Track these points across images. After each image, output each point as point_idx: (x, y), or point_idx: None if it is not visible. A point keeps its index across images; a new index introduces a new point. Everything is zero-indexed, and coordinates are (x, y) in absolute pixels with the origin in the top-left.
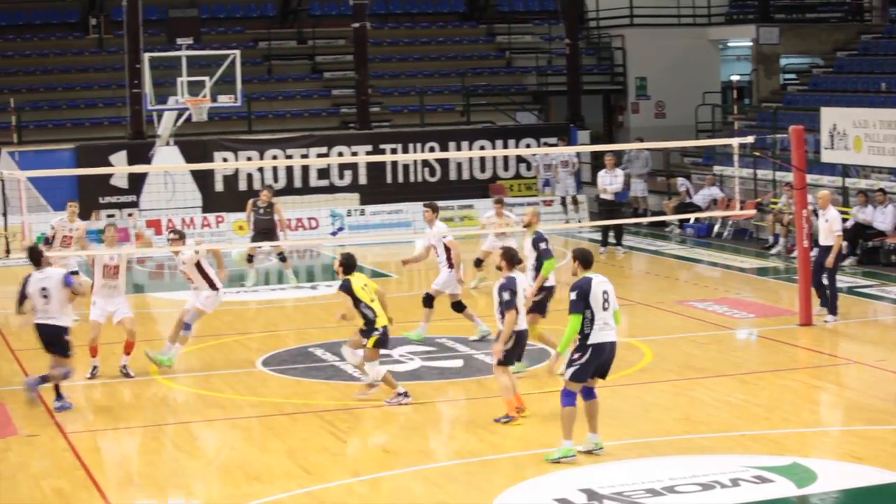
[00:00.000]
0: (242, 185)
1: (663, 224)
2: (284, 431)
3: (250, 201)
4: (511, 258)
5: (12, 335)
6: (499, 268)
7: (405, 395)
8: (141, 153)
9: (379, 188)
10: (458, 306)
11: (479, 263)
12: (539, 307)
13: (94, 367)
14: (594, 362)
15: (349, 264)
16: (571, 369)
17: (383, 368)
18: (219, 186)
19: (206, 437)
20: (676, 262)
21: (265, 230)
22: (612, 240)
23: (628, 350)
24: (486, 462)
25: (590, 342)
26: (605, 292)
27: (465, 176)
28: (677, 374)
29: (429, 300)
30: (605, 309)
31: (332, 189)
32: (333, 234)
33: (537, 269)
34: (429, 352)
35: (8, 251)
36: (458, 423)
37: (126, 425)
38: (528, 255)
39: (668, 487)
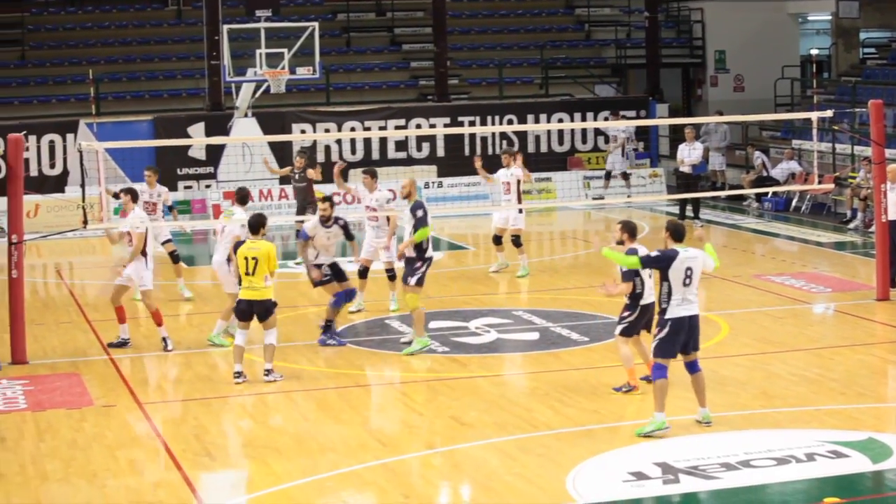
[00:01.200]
0: (320, 157)
1: (741, 198)
2: (360, 403)
3: (287, 168)
4: (632, 230)
5: (88, 306)
6: (620, 242)
7: (239, 374)
8: (219, 125)
9: (457, 160)
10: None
11: (498, 241)
12: (419, 278)
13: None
14: (676, 337)
15: (253, 224)
16: (654, 344)
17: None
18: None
19: (280, 408)
20: (754, 235)
21: (303, 200)
22: (689, 213)
23: (705, 324)
24: (561, 435)
25: (667, 317)
26: (689, 269)
27: (543, 149)
28: (753, 349)
29: (364, 272)
30: (685, 285)
31: (409, 161)
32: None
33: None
34: (505, 324)
35: (85, 222)
36: (534, 395)
37: (201, 396)
38: (407, 225)
39: (743, 461)
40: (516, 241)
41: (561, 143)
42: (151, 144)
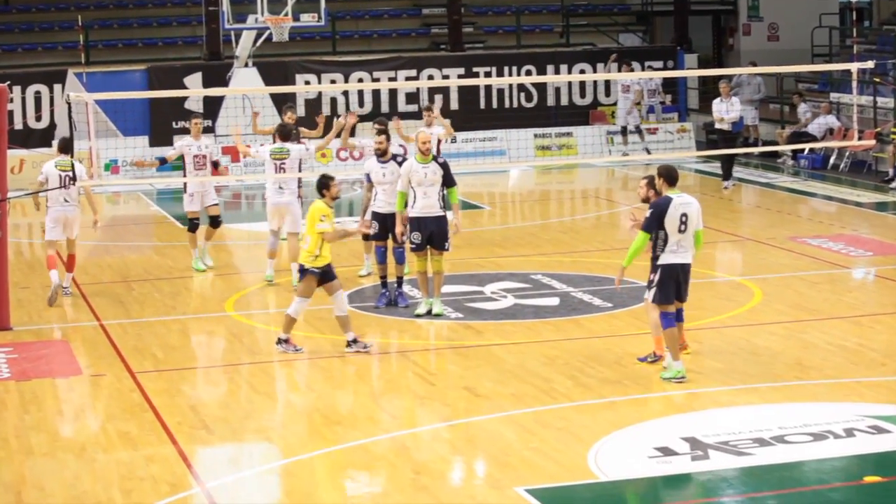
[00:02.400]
0: (325, 110)
1: (775, 154)
2: (368, 373)
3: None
4: (654, 187)
5: (77, 269)
6: (645, 199)
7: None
8: (217, 75)
9: (472, 114)
10: None
11: None
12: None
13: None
14: (669, 283)
15: (316, 185)
16: (651, 291)
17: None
18: (300, 111)
19: (283, 377)
20: (789, 195)
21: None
22: (716, 169)
23: (736, 289)
24: (583, 407)
25: (660, 262)
26: (683, 215)
27: (564, 101)
28: (788, 316)
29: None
30: (680, 231)
31: (421, 115)
32: None
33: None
34: (522, 289)
35: (74, 179)
36: (553, 365)
37: (198, 365)
38: (435, 182)
39: (777, 437)
40: None
41: (583, 95)
42: (145, 96)
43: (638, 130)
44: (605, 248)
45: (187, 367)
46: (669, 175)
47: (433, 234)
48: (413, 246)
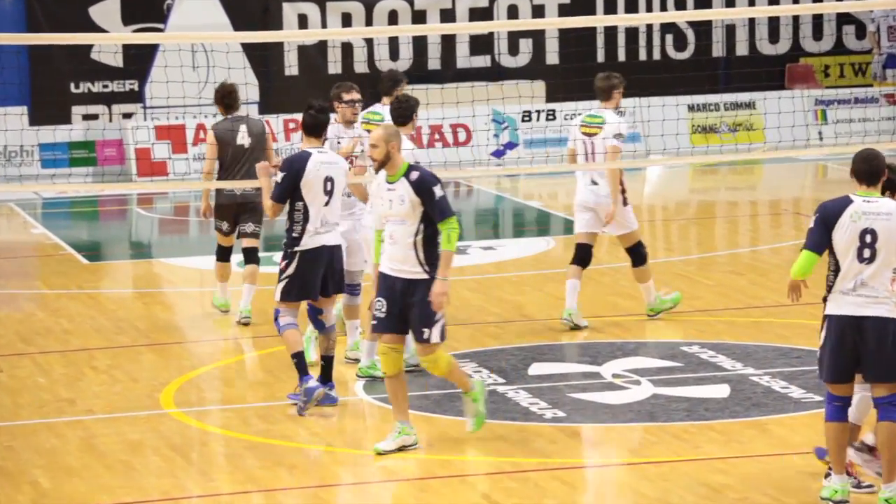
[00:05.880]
0: (333, 69)
1: None
2: None
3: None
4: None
5: None
6: None
7: None
8: (146, 5)
9: (582, 74)
10: None
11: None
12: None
13: None
14: (838, 346)
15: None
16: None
17: None
18: (291, 69)
19: None
20: None
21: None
22: None
23: None
24: None
25: (826, 312)
26: (867, 232)
27: (741, 50)
28: None
29: None
30: (861, 260)
31: (496, 73)
32: (497, 153)
33: None
34: (667, 369)
35: None
36: (721, 500)
37: (114, 500)
38: (404, 215)
39: None
40: None
41: (774, 40)
42: (20, 41)
43: None
44: (811, 300)
45: None
46: (861, 163)
47: (406, 307)
48: (373, 322)
